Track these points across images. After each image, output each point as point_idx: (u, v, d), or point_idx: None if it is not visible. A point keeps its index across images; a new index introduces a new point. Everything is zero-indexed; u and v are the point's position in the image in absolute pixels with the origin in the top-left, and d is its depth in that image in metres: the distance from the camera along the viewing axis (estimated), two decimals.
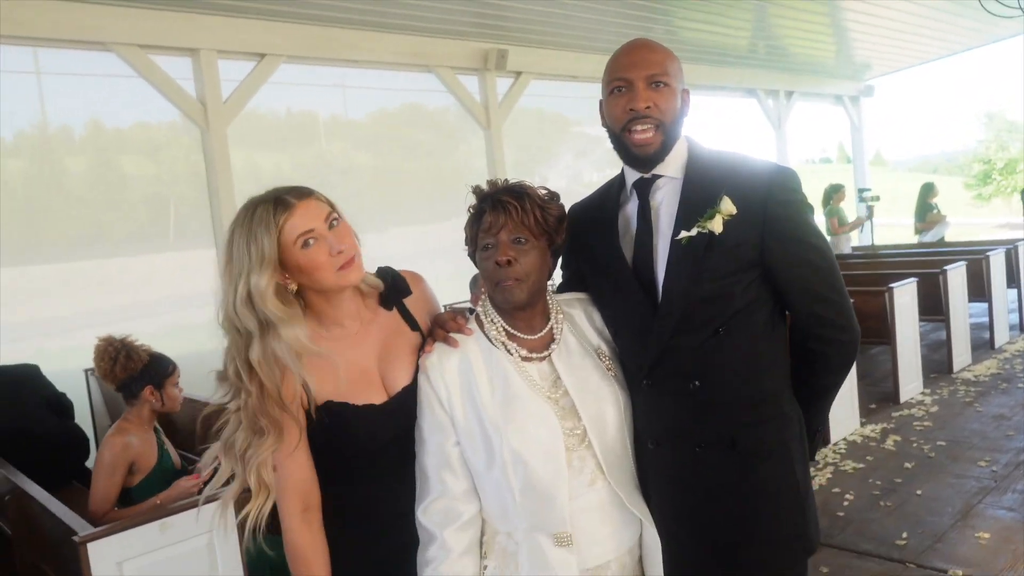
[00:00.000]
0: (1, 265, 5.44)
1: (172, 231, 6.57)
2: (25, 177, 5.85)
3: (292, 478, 1.54)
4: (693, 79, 9.63)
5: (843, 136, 14.39)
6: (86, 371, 5.37)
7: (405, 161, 8.22)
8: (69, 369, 5.07)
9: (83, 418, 4.73)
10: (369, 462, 1.62)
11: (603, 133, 1.72)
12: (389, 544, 1.62)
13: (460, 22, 7.12)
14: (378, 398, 1.61)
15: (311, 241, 1.52)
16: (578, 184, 9.91)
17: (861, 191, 10.73)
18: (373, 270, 1.72)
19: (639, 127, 1.61)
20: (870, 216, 10.04)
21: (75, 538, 2.19)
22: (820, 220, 9.45)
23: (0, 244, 5.44)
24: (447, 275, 5.84)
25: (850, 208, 9.87)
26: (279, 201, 1.53)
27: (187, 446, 4.26)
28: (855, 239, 10.31)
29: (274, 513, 3.43)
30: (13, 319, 5.52)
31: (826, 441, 4.94)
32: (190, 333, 6.20)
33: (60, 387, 4.46)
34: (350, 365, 1.61)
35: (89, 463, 4.34)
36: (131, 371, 3.04)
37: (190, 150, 6.31)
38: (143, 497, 2.99)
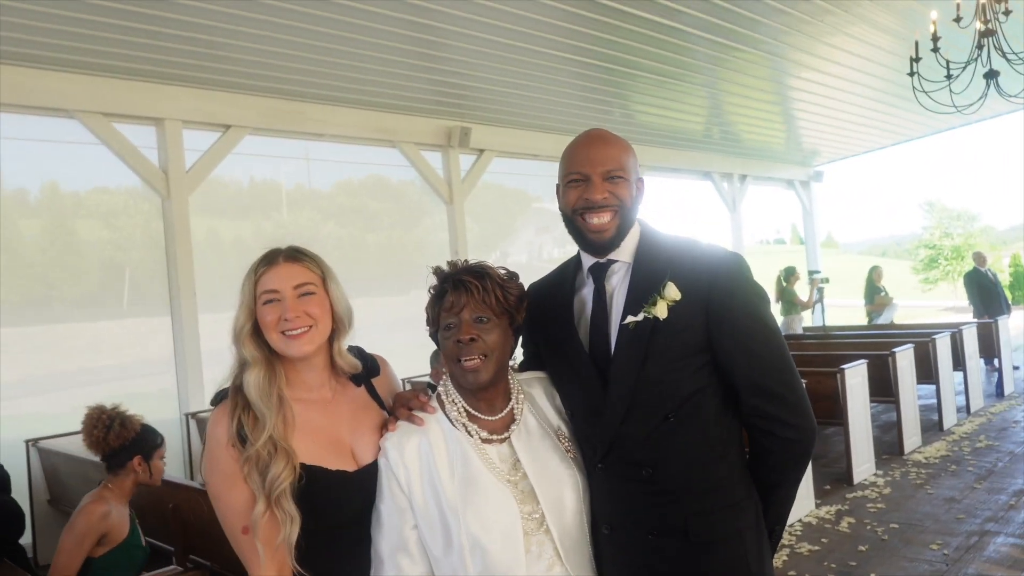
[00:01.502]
0: None
1: (126, 297, 6.46)
2: None
3: (266, 540, 1.49)
4: (650, 161, 10.01)
5: (796, 218, 14.90)
6: (27, 442, 5.16)
7: (368, 232, 8.27)
8: (7, 439, 4.87)
9: (20, 492, 4.52)
10: (336, 534, 1.58)
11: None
12: None
13: (425, 100, 7.31)
14: (350, 467, 1.60)
15: (271, 301, 1.59)
16: (539, 260, 10.04)
17: (811, 273, 11.06)
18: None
19: (594, 217, 1.65)
20: (820, 298, 10.32)
21: None
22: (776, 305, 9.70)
23: None
24: (406, 348, 5.81)
25: (804, 289, 10.17)
26: (268, 255, 1.63)
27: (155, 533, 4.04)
28: (807, 319, 10.55)
29: None
30: None
31: None
32: (140, 401, 6.02)
33: None
34: (320, 431, 1.61)
35: (24, 539, 4.12)
36: (124, 440, 2.96)
37: (149, 217, 6.27)
38: (111, 568, 2.85)
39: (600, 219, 1.65)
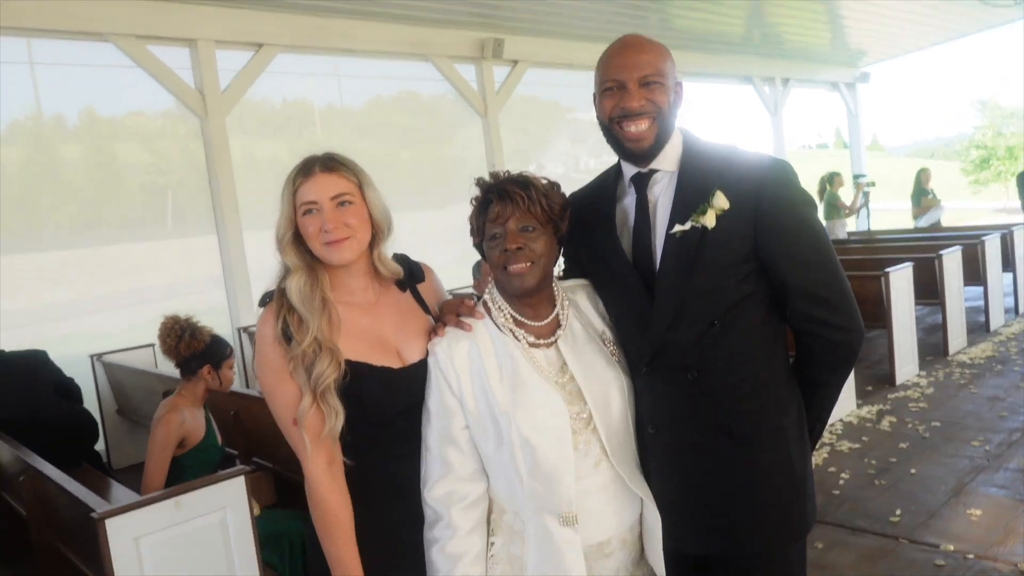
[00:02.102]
0: (4, 252, 5.47)
1: (170, 218, 6.60)
2: (21, 165, 5.87)
3: (312, 432, 1.57)
4: (688, 67, 9.70)
5: (840, 122, 14.46)
6: (92, 357, 5.41)
7: (401, 148, 8.25)
8: (72, 355, 5.11)
9: (89, 403, 4.78)
10: (381, 430, 1.65)
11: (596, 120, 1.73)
12: (400, 516, 1.65)
13: (457, 11, 7.13)
14: (395, 364, 1.66)
15: (310, 211, 1.62)
16: (575, 171, 9.93)
17: (857, 176, 10.76)
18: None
19: (632, 125, 1.63)
20: (866, 202, 10.08)
21: (93, 515, 2.23)
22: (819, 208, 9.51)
23: (2, 232, 5.46)
24: (445, 261, 5.89)
25: (847, 194, 9.91)
26: (305, 165, 1.65)
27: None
28: (851, 224, 10.35)
29: (280, 488, 3.47)
30: (13, 306, 5.57)
31: None
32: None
33: (66, 373, 4.51)
34: (365, 331, 1.66)
35: (97, 446, 4.40)
36: (194, 349, 3.14)
37: (186, 139, 6.34)
38: (192, 465, 3.08)
39: (638, 127, 1.62)
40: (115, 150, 6.43)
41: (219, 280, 6.18)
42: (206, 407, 3.26)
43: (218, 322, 6.18)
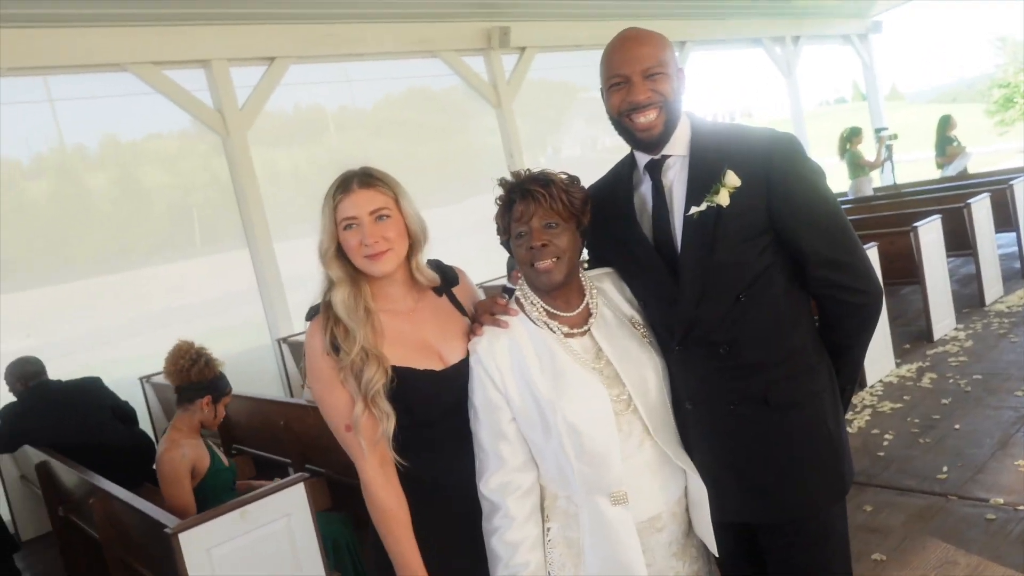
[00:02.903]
0: (36, 286, 5.62)
1: (198, 237, 6.72)
2: (49, 198, 6.01)
3: (367, 436, 1.65)
4: (695, 35, 9.61)
5: (856, 74, 14.17)
6: (141, 379, 5.56)
7: (417, 145, 8.28)
8: (119, 378, 5.26)
9: (142, 424, 4.93)
10: (429, 430, 1.73)
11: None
12: (454, 513, 1.73)
13: (461, 4, 7.15)
14: (437, 366, 1.74)
15: (351, 226, 1.70)
16: (593, 151, 9.89)
17: (878, 130, 10.58)
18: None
19: (641, 117, 1.69)
20: (889, 156, 9.90)
21: (167, 530, 2.35)
22: (839, 168, 9.35)
23: (32, 264, 5.62)
24: (468, 254, 5.96)
25: (869, 149, 9.75)
26: (343, 182, 1.72)
27: (251, 443, 4.44)
28: (876, 180, 10.20)
29: (333, 492, 3.55)
30: (56, 337, 5.73)
31: (862, 384, 4.98)
32: (231, 334, 6.38)
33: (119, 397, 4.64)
34: (407, 337, 1.75)
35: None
36: (203, 377, 3.22)
37: (207, 157, 6.44)
38: (210, 492, 3.16)
39: (647, 117, 1.69)
40: (138, 175, 6.55)
41: (252, 294, 6.29)
42: (203, 435, 3.33)
43: (257, 335, 6.32)
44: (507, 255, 4.07)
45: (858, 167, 9.31)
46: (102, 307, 6.17)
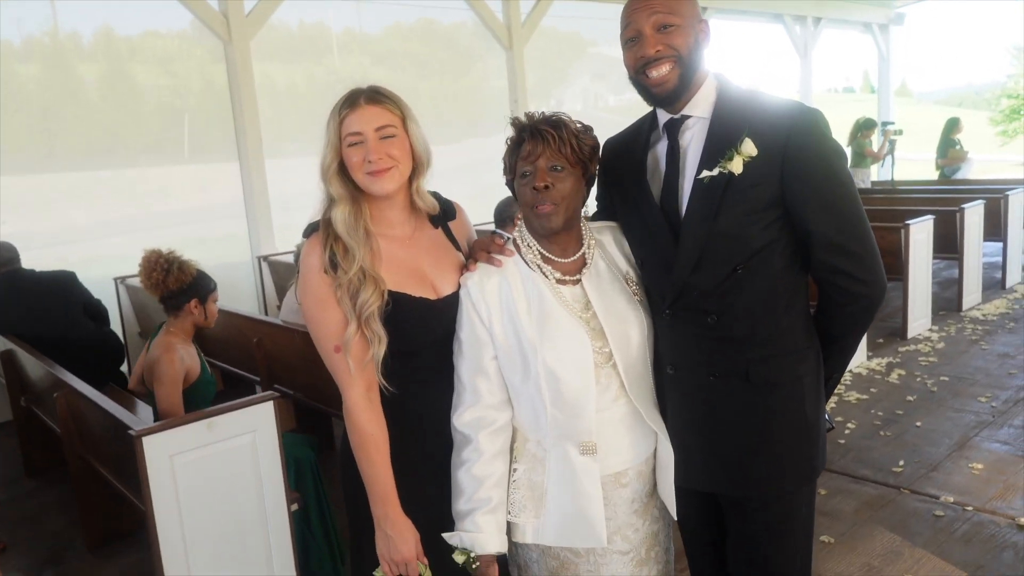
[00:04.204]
0: (16, 172, 5.49)
1: (187, 143, 6.56)
2: (38, 84, 5.82)
3: (356, 358, 1.64)
4: (716, 3, 9.40)
5: (869, 65, 14.05)
6: (116, 279, 5.49)
7: (419, 80, 8.10)
8: (95, 277, 5.17)
9: (113, 325, 4.87)
10: (415, 359, 1.72)
11: (620, 53, 1.74)
12: (431, 443, 1.73)
13: None
14: (431, 295, 1.72)
15: (355, 143, 1.66)
16: (595, 108, 9.76)
17: (884, 124, 10.52)
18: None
19: (653, 71, 1.64)
20: (891, 151, 9.88)
21: (131, 432, 2.34)
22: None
23: (15, 150, 5.47)
24: (461, 195, 5.89)
25: (875, 142, 9.72)
26: (350, 97, 1.67)
27: (221, 356, 4.41)
28: (874, 173, 10.19)
29: (298, 414, 3.53)
30: (35, 227, 5.62)
31: None
32: (212, 245, 6.30)
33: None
34: (403, 263, 1.72)
35: (123, 368, 4.50)
36: (181, 283, 3.14)
37: (204, 62, 6.26)
38: (192, 401, 3.13)
39: (659, 71, 1.63)
40: (131, 71, 6.35)
41: (237, 207, 6.19)
42: (195, 343, 3.29)
43: (238, 250, 6.24)
44: (496, 202, 4.04)
45: (860, 156, 9.29)
46: (83, 203, 6.04)
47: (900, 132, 9.90)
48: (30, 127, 5.69)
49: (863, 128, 9.29)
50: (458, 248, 1.82)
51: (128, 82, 6.26)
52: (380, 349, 1.63)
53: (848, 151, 9.33)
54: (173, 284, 3.13)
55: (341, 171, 1.68)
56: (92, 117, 6.06)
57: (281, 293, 5.48)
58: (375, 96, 1.68)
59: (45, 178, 5.95)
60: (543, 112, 1.69)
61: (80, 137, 6.01)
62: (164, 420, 2.41)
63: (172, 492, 2.36)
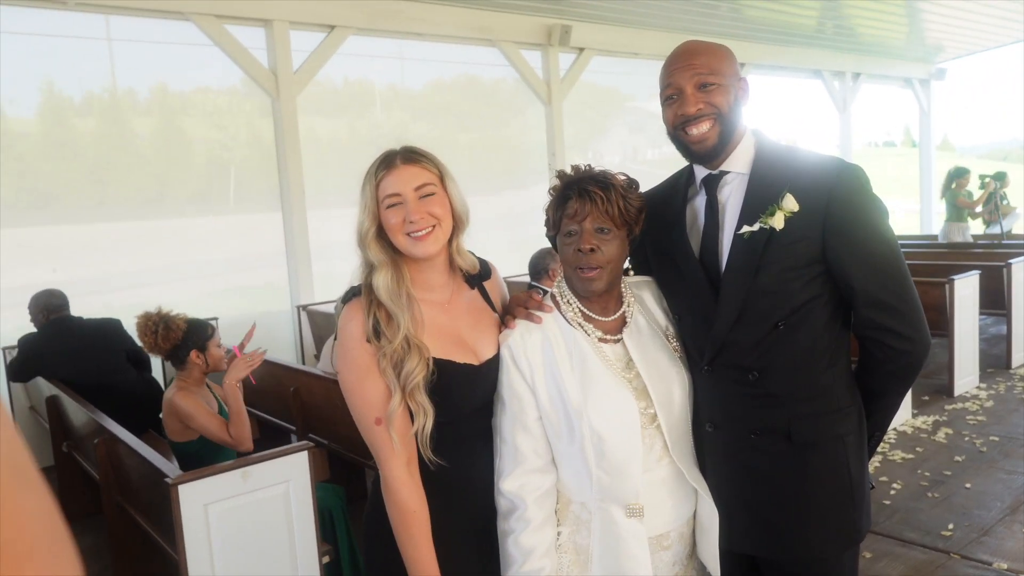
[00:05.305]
0: (69, 222, 5.69)
1: (232, 194, 6.75)
2: (94, 136, 6.08)
3: (399, 431, 1.57)
4: (755, 58, 9.50)
5: (909, 119, 13.93)
6: None
7: (459, 132, 8.27)
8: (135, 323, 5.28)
9: (156, 373, 4.96)
10: (457, 427, 1.66)
11: (658, 108, 1.75)
12: (472, 513, 1.67)
13: None
14: (473, 361, 1.66)
15: (393, 205, 1.61)
16: (633, 162, 9.82)
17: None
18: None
19: (693, 128, 1.65)
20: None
21: (167, 480, 2.35)
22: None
23: (68, 200, 5.68)
24: (497, 248, 5.95)
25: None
26: (386, 159, 1.64)
27: (258, 405, 4.45)
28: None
29: (331, 465, 3.53)
30: (84, 274, 5.80)
31: None
32: (249, 294, 6.42)
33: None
34: (444, 329, 1.67)
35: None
36: (173, 341, 3.20)
37: (252, 116, 6.48)
38: (204, 446, 3.17)
39: (699, 129, 1.64)
40: (182, 125, 6.60)
41: (278, 257, 6.32)
42: (210, 387, 3.33)
43: (278, 299, 6.35)
44: (529, 255, 4.06)
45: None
46: (130, 251, 6.22)
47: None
48: (83, 179, 5.93)
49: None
50: (494, 308, 1.79)
51: (179, 135, 6.50)
52: (428, 422, 1.56)
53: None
54: (165, 343, 3.18)
55: (380, 235, 1.63)
56: (143, 168, 6.28)
57: (319, 343, 5.54)
58: (411, 156, 1.64)
59: (96, 227, 6.16)
60: (589, 166, 1.66)
61: (131, 187, 6.23)
62: (199, 469, 2.42)
63: (205, 541, 2.36)
